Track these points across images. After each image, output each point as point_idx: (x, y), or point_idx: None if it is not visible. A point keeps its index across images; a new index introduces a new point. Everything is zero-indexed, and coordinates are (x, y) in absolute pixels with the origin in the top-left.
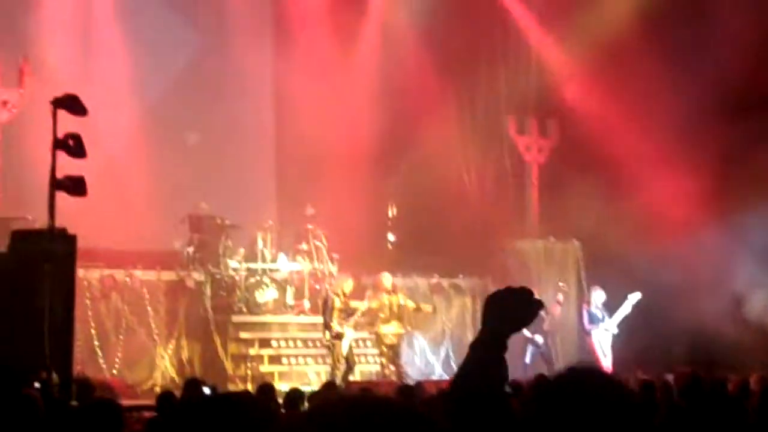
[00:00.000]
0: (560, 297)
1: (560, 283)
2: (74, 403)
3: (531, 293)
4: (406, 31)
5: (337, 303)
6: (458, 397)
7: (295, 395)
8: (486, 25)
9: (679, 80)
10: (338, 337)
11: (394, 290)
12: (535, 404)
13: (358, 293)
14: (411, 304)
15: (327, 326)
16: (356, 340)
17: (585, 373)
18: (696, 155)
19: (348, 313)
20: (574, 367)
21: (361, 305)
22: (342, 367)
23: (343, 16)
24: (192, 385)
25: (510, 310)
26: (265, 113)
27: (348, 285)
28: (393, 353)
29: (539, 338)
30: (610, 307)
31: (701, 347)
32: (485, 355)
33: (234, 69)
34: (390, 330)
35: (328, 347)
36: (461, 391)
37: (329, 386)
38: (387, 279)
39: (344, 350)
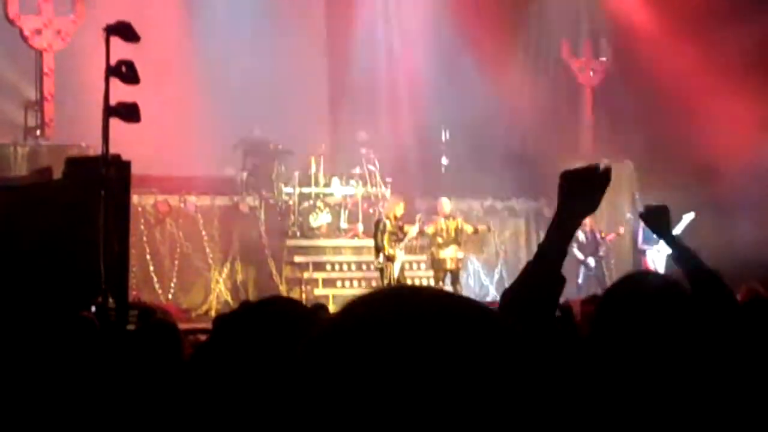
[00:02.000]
0: (621, 230)
1: (628, 215)
2: (131, 327)
3: (596, 167)
4: None
5: (389, 226)
6: (508, 306)
7: None
8: None
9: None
10: (390, 259)
11: (452, 215)
12: (596, 313)
13: (411, 217)
14: (469, 228)
15: (378, 249)
16: (409, 263)
17: (640, 276)
18: (755, 76)
19: (399, 236)
20: (627, 274)
21: (412, 229)
22: None
23: None
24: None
25: (581, 185)
26: (318, 39)
27: (399, 208)
28: (452, 277)
29: (591, 261)
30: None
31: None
32: (547, 263)
33: None
34: (448, 254)
35: (380, 270)
36: (512, 299)
37: None
38: (446, 204)
39: (396, 272)
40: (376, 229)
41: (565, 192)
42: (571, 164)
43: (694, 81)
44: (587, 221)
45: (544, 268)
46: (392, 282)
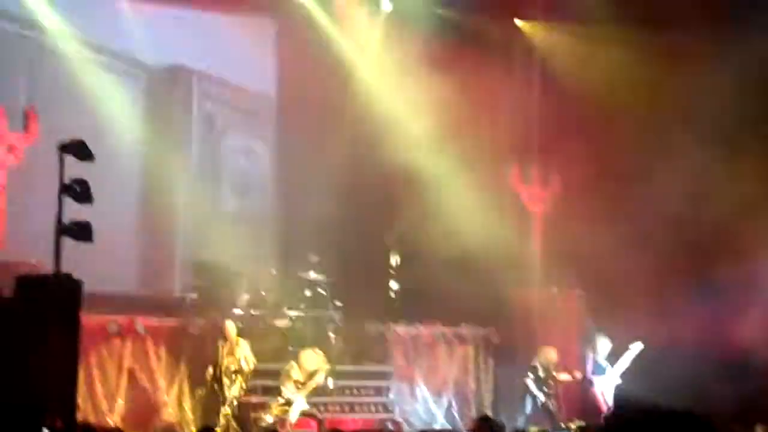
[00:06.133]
0: (579, 375)
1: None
2: None
3: None
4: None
5: (293, 373)
6: None
7: None
8: (491, 76)
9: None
10: (287, 403)
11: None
12: None
13: None
14: None
15: (280, 390)
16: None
17: None
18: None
19: (302, 385)
20: None
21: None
22: None
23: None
24: None
25: None
26: (267, 162)
27: (310, 363)
28: None
29: (540, 395)
30: (613, 358)
31: (705, 399)
32: None
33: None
34: None
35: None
36: None
37: None
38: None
39: (292, 417)
40: (282, 371)
41: None
42: (520, 292)
43: (645, 212)
44: (554, 357)
45: None
46: (290, 425)
